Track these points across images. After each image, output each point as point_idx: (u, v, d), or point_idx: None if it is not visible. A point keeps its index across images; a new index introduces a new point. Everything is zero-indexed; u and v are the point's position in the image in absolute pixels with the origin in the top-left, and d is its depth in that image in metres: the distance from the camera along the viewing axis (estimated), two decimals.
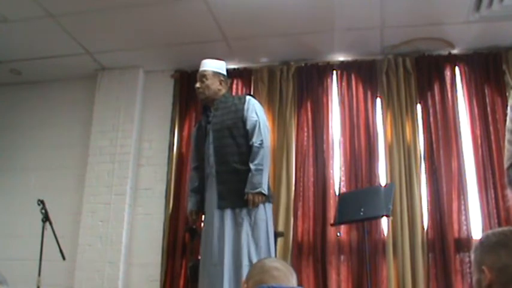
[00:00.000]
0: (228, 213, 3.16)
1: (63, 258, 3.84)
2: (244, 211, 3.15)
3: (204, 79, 3.44)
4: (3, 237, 4.85)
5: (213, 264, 3.10)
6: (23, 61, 4.97)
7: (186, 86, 4.95)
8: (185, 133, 4.81)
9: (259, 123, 3.32)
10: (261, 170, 3.19)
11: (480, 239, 1.58)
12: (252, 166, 3.18)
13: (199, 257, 3.36)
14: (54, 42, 4.59)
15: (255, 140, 3.25)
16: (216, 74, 3.47)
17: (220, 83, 3.47)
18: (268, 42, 4.53)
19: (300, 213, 4.33)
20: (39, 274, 3.79)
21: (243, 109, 3.36)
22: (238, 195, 3.16)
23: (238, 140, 3.29)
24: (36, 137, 5.17)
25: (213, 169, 3.28)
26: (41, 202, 3.85)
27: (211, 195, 3.26)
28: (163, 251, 4.54)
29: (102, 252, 4.54)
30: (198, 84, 3.46)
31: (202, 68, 3.50)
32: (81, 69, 5.10)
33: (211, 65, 3.51)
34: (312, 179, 4.41)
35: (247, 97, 3.47)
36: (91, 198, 4.72)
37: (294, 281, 1.70)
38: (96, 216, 4.65)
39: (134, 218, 4.72)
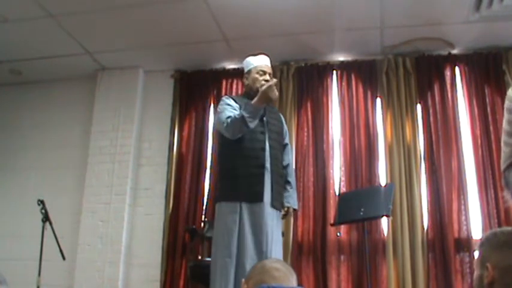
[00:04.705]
0: (274, 212, 3.13)
1: (63, 258, 3.84)
2: (277, 215, 3.16)
3: (271, 76, 3.29)
4: (3, 237, 4.85)
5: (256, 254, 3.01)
6: (23, 61, 4.98)
7: (186, 86, 4.95)
8: (185, 133, 4.81)
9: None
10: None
11: (488, 236, 1.57)
12: (293, 183, 3.37)
13: (216, 249, 3.06)
14: (54, 42, 4.59)
15: (291, 159, 3.44)
16: None
17: None
18: (268, 42, 4.52)
19: (300, 213, 4.32)
20: (39, 274, 3.79)
21: (283, 123, 3.43)
22: (280, 198, 3.21)
23: (281, 149, 3.33)
24: (36, 137, 5.17)
25: (267, 163, 3.14)
26: (41, 202, 3.85)
27: (266, 189, 3.11)
28: (163, 251, 4.54)
29: (102, 252, 4.54)
30: (269, 77, 3.26)
31: (269, 65, 3.34)
32: (81, 69, 5.10)
33: None
34: (312, 179, 4.42)
35: (280, 114, 3.52)
36: (91, 198, 4.73)
37: (294, 281, 1.70)
38: (96, 216, 4.65)
39: (134, 218, 4.73)
